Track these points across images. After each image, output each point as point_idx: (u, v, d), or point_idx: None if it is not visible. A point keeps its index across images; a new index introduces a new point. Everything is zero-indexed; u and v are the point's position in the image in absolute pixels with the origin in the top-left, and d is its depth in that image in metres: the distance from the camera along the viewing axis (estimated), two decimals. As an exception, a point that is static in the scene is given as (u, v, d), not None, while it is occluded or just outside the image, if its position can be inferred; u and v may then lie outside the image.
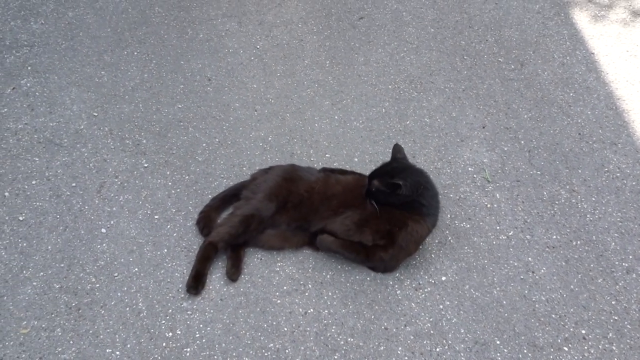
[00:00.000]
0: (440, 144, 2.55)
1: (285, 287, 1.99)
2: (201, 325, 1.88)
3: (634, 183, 2.37)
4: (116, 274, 2.01)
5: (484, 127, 2.62)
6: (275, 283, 2.01)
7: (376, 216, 1.93)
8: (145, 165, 2.40)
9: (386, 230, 1.92)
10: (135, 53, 2.98)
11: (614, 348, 1.86)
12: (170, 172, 2.38)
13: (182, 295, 1.95)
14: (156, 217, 2.20)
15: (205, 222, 2.13)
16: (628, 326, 1.92)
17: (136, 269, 2.03)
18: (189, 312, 1.91)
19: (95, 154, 2.43)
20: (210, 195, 2.27)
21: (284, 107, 2.73)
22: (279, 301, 1.96)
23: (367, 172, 2.31)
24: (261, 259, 2.08)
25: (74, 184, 2.30)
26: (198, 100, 2.74)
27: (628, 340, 1.88)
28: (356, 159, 2.49)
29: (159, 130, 2.57)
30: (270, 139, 2.57)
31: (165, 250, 2.09)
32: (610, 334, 1.89)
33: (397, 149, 2.03)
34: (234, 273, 1.98)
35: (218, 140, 2.54)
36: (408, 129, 2.62)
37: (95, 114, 2.62)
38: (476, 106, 2.73)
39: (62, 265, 2.03)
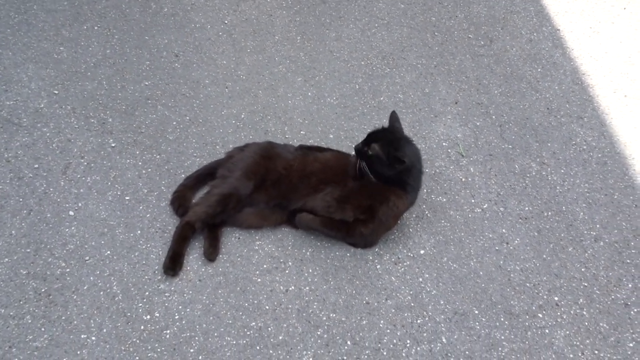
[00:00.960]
0: (414, 119, 2.56)
1: (265, 266, 1.97)
2: (180, 307, 1.84)
3: (599, 155, 2.45)
4: (87, 258, 1.93)
5: (456, 103, 2.64)
6: (254, 262, 1.98)
7: (357, 191, 1.92)
8: (113, 144, 2.31)
9: (367, 205, 1.92)
10: (96, 28, 2.84)
11: (584, 313, 1.93)
12: (139, 152, 2.29)
13: (159, 277, 1.90)
14: (127, 198, 2.12)
15: (180, 201, 2.07)
16: (597, 292, 1.99)
17: (108, 252, 1.95)
18: (166, 294, 1.86)
19: (58, 134, 2.31)
20: (183, 174, 2.20)
21: (256, 84, 2.67)
22: (259, 280, 1.93)
23: (343, 149, 2.30)
24: (239, 238, 2.04)
25: (36, 166, 2.18)
26: (166, 77, 2.64)
27: (597, 305, 1.95)
28: (331, 136, 2.46)
29: (126, 108, 2.47)
30: (243, 116, 2.51)
31: (139, 232, 2.02)
32: (581, 300, 1.97)
33: (394, 117, 1.99)
34: (211, 253, 1.94)
35: (189, 118, 2.46)
36: (382, 105, 2.62)
37: (56, 92, 2.49)
38: (448, 82, 2.74)
39: (29, 250, 1.93)
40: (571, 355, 1.81)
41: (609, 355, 1.82)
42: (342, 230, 1.96)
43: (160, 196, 2.13)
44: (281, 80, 2.71)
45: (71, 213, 2.05)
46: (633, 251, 2.11)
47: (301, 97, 2.63)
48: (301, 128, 2.48)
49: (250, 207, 2.03)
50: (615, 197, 2.29)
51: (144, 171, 2.22)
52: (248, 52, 2.86)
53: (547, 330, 1.87)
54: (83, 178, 2.16)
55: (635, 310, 1.94)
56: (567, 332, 1.87)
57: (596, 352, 1.83)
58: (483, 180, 2.32)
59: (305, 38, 2.94)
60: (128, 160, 2.25)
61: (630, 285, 2.01)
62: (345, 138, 2.45)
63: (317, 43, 2.91)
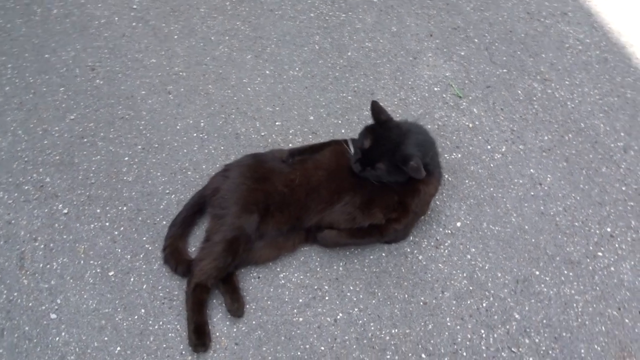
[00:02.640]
0: (394, 68, 2.23)
1: (300, 300, 1.70)
2: (227, 383, 1.57)
3: (597, 52, 2.25)
4: (96, 364, 1.60)
5: (431, 36, 2.32)
6: (287, 299, 1.71)
7: (381, 191, 1.64)
8: (65, 211, 1.88)
9: (397, 202, 1.65)
10: (-21, 63, 2.25)
11: (641, 236, 1.81)
12: (100, 209, 1.88)
13: (190, 358, 1.60)
14: (110, 273, 1.75)
15: (175, 257, 1.73)
16: (645, 208, 1.88)
17: (118, 348, 1.62)
18: (206, 374, 1.58)
19: (-8, 219, 1.86)
20: (164, 221, 1.84)
21: (202, 78, 2.23)
22: (301, 319, 1.67)
23: (330, 130, 2.00)
24: (259, 278, 1.75)
25: (-18, 268, 1.75)
26: (91, 101, 2.16)
27: (650, 223, 1.84)
28: (312, 117, 2.12)
29: (60, 158, 2.00)
30: (202, 124, 2.10)
31: (143, 311, 1.68)
32: (633, 222, 1.84)
33: (377, 109, 1.65)
34: (237, 308, 1.65)
35: (141, 147, 2.04)
36: (353, 62, 2.26)
37: (-34, 165, 1.98)
38: (414, 12, 2.39)
39: (21, 379, 1.57)
40: (644, 287, 1.71)
41: (679, 274, 1.73)
42: (374, 235, 1.70)
43: (148, 257, 1.78)
44: (228, 63, 2.28)
45: (53, 316, 1.67)
46: (664, 151, 1.99)
47: (259, 79, 2.23)
48: (274, 118, 2.11)
49: (260, 240, 1.72)
50: (628, 95, 2.12)
51: (116, 232, 1.83)
52: (175, 38, 2.37)
53: (612, 268, 1.75)
54: (47, 266, 1.76)
55: (688, 215, 1.85)
56: (632, 263, 1.76)
57: (666, 274, 1.73)
58: (491, 120, 2.08)
59: (236, 2, 2.46)
60: (92, 225, 1.84)
61: (674, 190, 1.90)
62: (327, 115, 2.12)
63: (251, 4, 2.45)
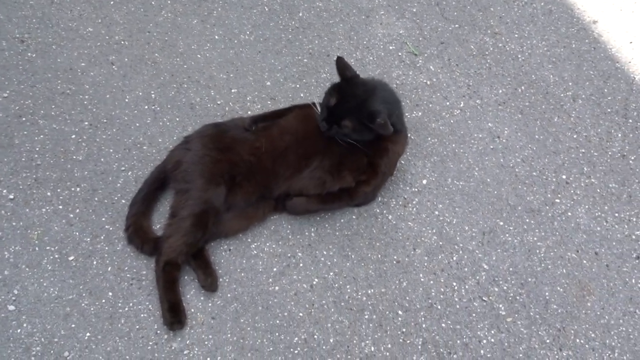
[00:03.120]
0: (347, 28, 2.19)
1: (275, 269, 1.68)
2: (208, 358, 1.54)
3: (542, 4, 2.30)
4: (66, 354, 1.51)
5: (382, -8, 2.28)
6: (261, 269, 1.68)
7: (350, 153, 1.62)
8: (11, 196, 1.74)
9: (366, 163, 1.64)
10: None
11: (593, 180, 1.91)
12: (51, 192, 1.75)
13: (167, 336, 1.55)
14: (70, 258, 1.65)
15: (140, 236, 1.65)
16: (595, 154, 1.97)
17: (88, 334, 1.54)
18: (185, 352, 1.54)
19: None
20: (123, 200, 1.74)
21: (147, 47, 2.10)
22: (277, 288, 1.65)
23: (289, 95, 1.96)
24: (230, 250, 1.70)
25: None
26: (25, 76, 1.98)
27: (600, 168, 1.94)
28: (268, 83, 2.05)
29: (-2, 140, 1.84)
30: (153, 95, 1.99)
31: (110, 294, 1.60)
32: (585, 168, 1.94)
33: (343, 65, 1.61)
34: (211, 283, 1.60)
35: (88, 123, 1.90)
36: (305, 23, 2.19)
37: None
38: (363, -31, 2.34)
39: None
40: (598, 228, 1.81)
41: (627, 213, 1.84)
42: (344, 199, 1.69)
43: (110, 239, 1.68)
44: (173, 30, 2.15)
45: (11, 307, 1.56)
46: (608, 98, 2.08)
47: (209, 45, 2.12)
48: (230, 85, 2.03)
49: (228, 211, 1.67)
50: (574, 45, 2.20)
51: (71, 215, 1.72)
52: (112, 4, 2.21)
53: (569, 213, 1.84)
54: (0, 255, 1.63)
55: (633, 158, 1.96)
56: (586, 207, 1.85)
57: (616, 214, 1.84)
58: (447, 75, 2.10)
59: (176, -37, 2.31)
60: (44, 210, 1.72)
61: (619, 135, 2.01)
62: (284, 79, 2.06)
63: (194, -35, 2.30)
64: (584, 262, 1.74)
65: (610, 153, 1.96)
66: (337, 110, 1.56)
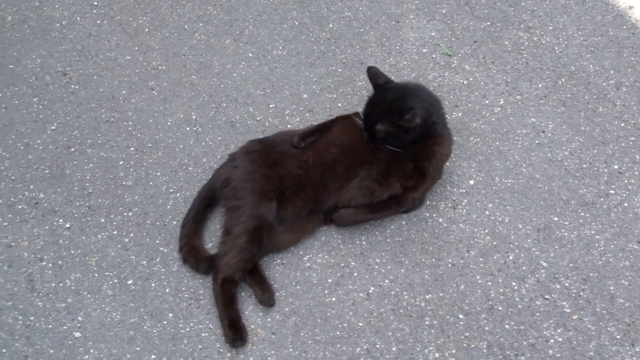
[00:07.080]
0: (378, 35, 2.19)
1: (329, 280, 1.68)
2: (271, 374, 1.54)
3: (574, -7, 2.27)
4: (132, 378, 1.53)
5: (410, -3, 2.28)
6: (316, 281, 1.67)
7: (396, 159, 1.61)
8: (67, 225, 1.78)
9: (413, 169, 1.63)
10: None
11: (647, 168, 1.86)
12: (104, 219, 1.79)
13: (229, 354, 1.55)
14: (129, 282, 1.67)
15: (194, 255, 1.67)
16: (645, 141, 1.92)
17: (153, 357, 1.55)
18: (248, 369, 1.54)
19: (-12, 245, 1.74)
20: (175, 221, 1.77)
21: (183, 70, 2.14)
22: (333, 299, 1.65)
23: (326, 105, 1.96)
24: (283, 264, 1.71)
25: (-12, 299, 1.65)
26: (70, 108, 2.04)
27: (653, 154, 1.89)
28: (305, 95, 2.06)
29: (50, 172, 1.89)
30: (194, 116, 2.02)
31: (171, 315, 1.62)
32: (637, 156, 1.88)
33: (374, 74, 1.64)
34: (268, 298, 1.61)
35: (134, 149, 1.94)
36: (336, 34, 2.21)
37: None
38: (389, -25, 2.34)
39: (54, 406, 1.49)
40: (658, 217, 1.76)
41: (687, 199, 1.79)
42: (392, 207, 1.69)
43: (165, 260, 1.71)
44: (208, 51, 2.19)
45: (77, 334, 1.59)
46: (654, 83, 2.03)
47: (244, 63, 2.15)
48: (267, 101, 2.05)
49: (280, 225, 1.67)
50: (611, 33, 2.16)
51: (126, 239, 1.75)
52: (147, 32, 2.26)
53: (625, 204, 1.79)
54: (60, 284, 1.66)
55: (686, 142, 1.90)
56: (643, 196, 1.80)
57: (675, 201, 1.78)
58: (484, 74, 2.08)
59: (204, -14, 2.36)
60: (99, 236, 1.75)
61: (669, 120, 1.95)
62: (321, 91, 2.07)
63: (222, -13, 2.35)
64: (647, 252, 1.69)
65: (661, 139, 1.91)
66: (371, 117, 1.57)
